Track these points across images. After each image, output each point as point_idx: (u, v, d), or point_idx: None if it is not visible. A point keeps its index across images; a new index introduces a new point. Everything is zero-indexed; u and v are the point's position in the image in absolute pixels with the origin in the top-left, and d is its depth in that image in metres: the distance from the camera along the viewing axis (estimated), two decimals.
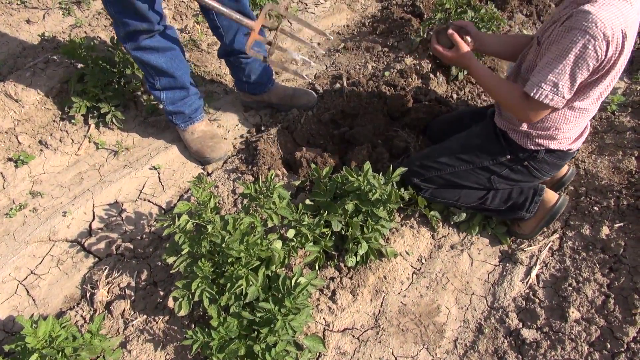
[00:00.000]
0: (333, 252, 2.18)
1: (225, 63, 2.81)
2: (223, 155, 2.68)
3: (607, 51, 1.66)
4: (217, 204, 2.34)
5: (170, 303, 1.98)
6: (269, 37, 2.24)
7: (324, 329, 2.03)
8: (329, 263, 2.19)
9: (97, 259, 2.26)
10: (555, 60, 1.74)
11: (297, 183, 2.47)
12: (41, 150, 2.70)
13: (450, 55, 2.10)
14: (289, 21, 2.59)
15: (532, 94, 1.81)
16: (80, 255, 2.26)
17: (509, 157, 2.15)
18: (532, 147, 2.07)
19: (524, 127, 2.04)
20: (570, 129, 2.02)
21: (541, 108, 1.86)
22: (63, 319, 1.82)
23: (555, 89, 1.77)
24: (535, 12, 3.82)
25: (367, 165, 2.14)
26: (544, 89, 1.78)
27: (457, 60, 2.11)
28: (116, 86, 2.80)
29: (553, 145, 2.05)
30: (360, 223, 2.11)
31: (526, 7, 3.86)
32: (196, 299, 1.82)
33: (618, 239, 2.28)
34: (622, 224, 2.35)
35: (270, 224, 2.00)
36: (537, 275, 2.23)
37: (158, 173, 2.62)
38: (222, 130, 2.87)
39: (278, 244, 1.97)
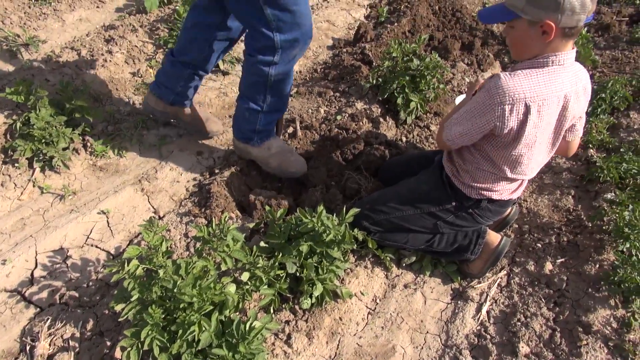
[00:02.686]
0: (288, 295, 2.16)
1: (168, 64, 2.77)
2: (304, 168, 2.78)
3: (505, 118, 1.84)
4: (169, 248, 2.29)
5: (118, 353, 1.88)
6: None
7: None
8: (284, 306, 2.17)
9: (38, 309, 2.13)
10: (464, 110, 1.99)
11: (251, 225, 2.46)
12: None
13: None
14: None
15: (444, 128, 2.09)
16: (20, 306, 2.13)
17: (454, 204, 2.24)
18: (476, 196, 2.19)
19: (466, 179, 2.18)
20: (507, 184, 2.18)
21: (442, 142, 2.15)
22: None
23: (453, 130, 2.04)
24: (475, 61, 4.08)
25: (321, 207, 2.17)
26: (447, 129, 2.07)
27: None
28: (64, 129, 2.73)
29: (495, 195, 2.18)
30: (315, 264, 2.12)
31: (467, 57, 4.12)
32: (146, 347, 1.74)
33: (560, 274, 2.39)
34: (563, 259, 2.47)
35: (224, 267, 1.97)
36: (488, 312, 2.29)
37: (107, 217, 2.54)
38: (175, 173, 2.84)
39: (232, 288, 1.93)
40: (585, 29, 4.65)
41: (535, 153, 2.01)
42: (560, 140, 2.03)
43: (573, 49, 1.85)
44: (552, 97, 1.83)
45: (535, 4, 1.71)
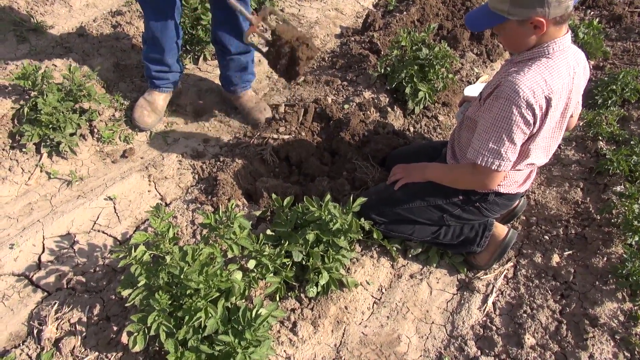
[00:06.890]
0: (294, 283, 2.16)
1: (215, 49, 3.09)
2: (143, 127, 2.99)
3: (534, 115, 1.79)
4: (176, 235, 2.29)
5: (124, 338, 1.90)
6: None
7: None
8: (289, 294, 2.17)
9: (46, 293, 2.15)
10: (491, 128, 1.86)
11: (257, 213, 2.46)
12: None
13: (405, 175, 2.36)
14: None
15: (478, 162, 1.92)
16: (28, 290, 2.15)
17: (461, 197, 2.22)
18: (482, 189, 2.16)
19: None
20: (514, 175, 2.14)
21: (491, 173, 1.95)
22: (7, 358, 1.72)
23: (499, 155, 1.88)
24: (485, 52, 4.04)
25: (328, 196, 2.16)
26: (487, 157, 1.89)
27: (416, 175, 2.32)
28: (71, 115, 2.73)
29: (502, 189, 2.15)
30: (321, 253, 2.12)
31: (476, 47, 4.07)
32: (152, 333, 1.75)
33: (568, 267, 2.37)
34: (570, 251, 2.45)
35: (230, 255, 1.97)
36: (494, 303, 2.28)
37: (113, 203, 2.55)
38: (181, 160, 2.83)
39: (238, 275, 1.94)
40: (597, 19, 4.59)
41: (545, 141, 1.99)
42: (566, 123, 2.01)
43: (567, 31, 1.84)
44: (564, 85, 1.82)
45: (520, 4, 1.69)
